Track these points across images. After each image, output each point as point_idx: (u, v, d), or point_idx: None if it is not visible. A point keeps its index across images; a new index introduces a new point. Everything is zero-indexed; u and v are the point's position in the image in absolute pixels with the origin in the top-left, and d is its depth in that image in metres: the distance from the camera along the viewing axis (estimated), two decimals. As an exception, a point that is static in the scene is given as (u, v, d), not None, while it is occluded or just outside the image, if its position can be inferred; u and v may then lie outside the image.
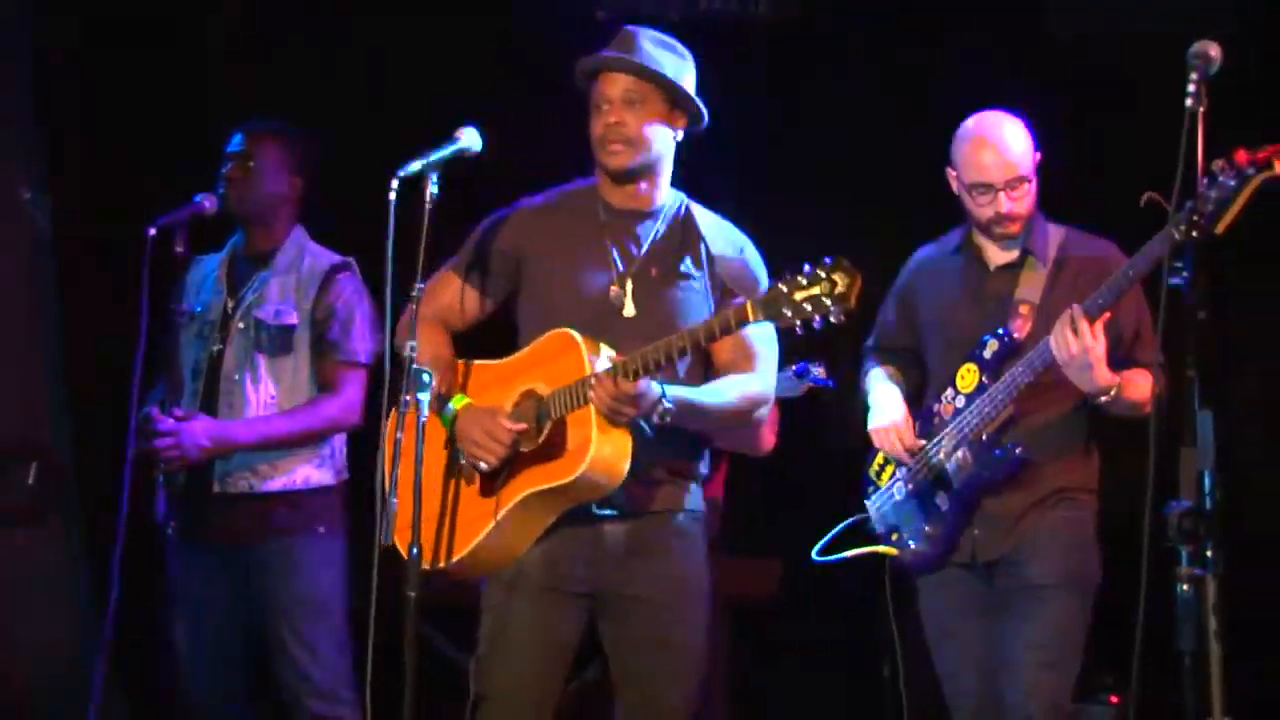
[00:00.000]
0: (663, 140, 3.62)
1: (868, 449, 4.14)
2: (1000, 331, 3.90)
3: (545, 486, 3.43)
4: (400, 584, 3.34)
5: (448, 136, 3.51)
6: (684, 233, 3.66)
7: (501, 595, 3.59)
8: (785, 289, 3.14)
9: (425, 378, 3.39)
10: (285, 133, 4.59)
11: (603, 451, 3.37)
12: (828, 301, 3.10)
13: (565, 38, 3.82)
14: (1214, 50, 3.05)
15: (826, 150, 6.02)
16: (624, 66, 3.58)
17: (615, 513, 3.53)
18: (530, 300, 3.67)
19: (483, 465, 3.48)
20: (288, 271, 4.52)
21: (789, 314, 3.13)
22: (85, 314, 5.39)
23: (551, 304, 3.61)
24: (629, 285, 3.59)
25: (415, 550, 3.34)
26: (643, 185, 3.65)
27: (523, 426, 3.46)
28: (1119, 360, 3.83)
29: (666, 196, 3.69)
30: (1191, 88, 3.02)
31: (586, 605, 3.59)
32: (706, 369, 3.63)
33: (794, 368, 4.60)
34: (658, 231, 3.65)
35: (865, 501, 4.17)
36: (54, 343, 5.28)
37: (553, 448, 3.45)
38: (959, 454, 3.90)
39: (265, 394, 4.45)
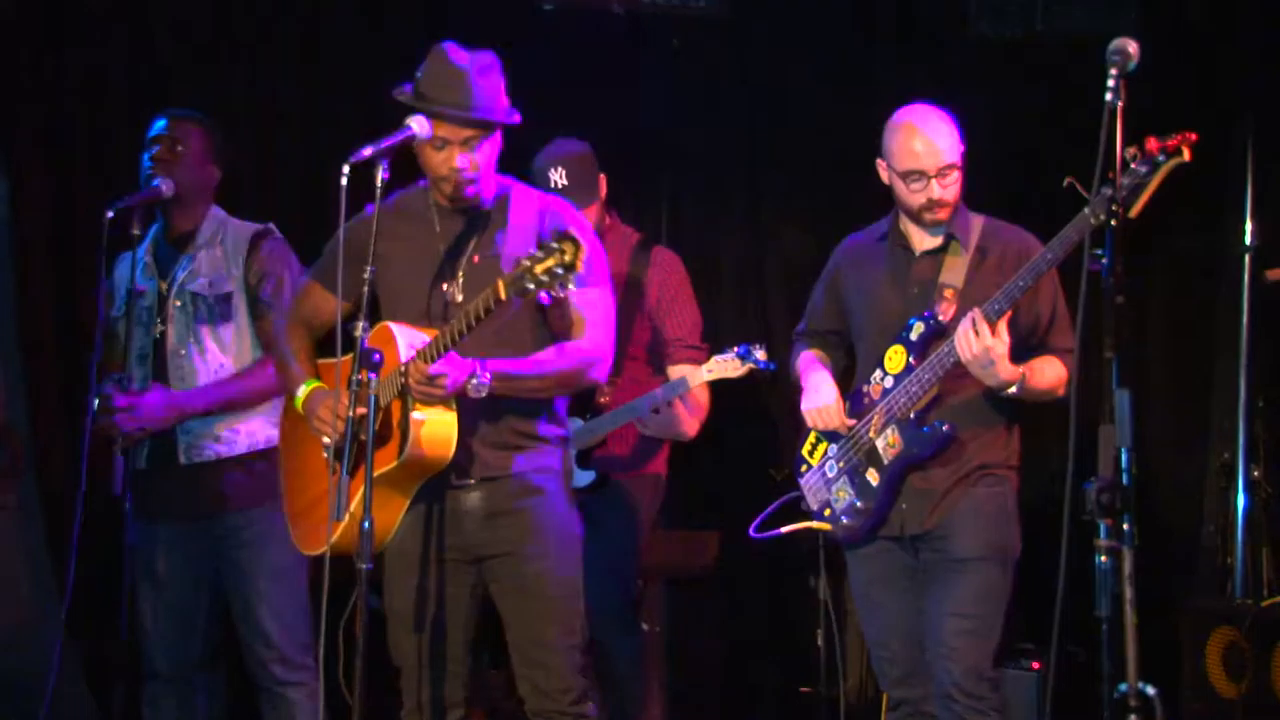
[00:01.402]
0: (493, 156, 3.79)
1: (800, 428, 4.25)
2: (926, 315, 4.01)
3: (380, 471, 3.61)
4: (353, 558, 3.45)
5: (399, 125, 3.60)
6: (503, 217, 3.84)
7: (389, 570, 3.83)
8: (528, 263, 3.33)
9: (376, 358, 3.49)
10: (206, 122, 4.65)
11: (421, 433, 3.61)
12: (560, 270, 3.31)
13: (511, 28, 3.86)
14: (1132, 47, 3.16)
15: (763, 139, 6.13)
16: (464, 122, 3.70)
17: (471, 481, 3.76)
18: (380, 300, 3.84)
19: (326, 439, 3.77)
20: (212, 245, 4.58)
21: (532, 286, 3.33)
22: (39, 295, 5.41)
23: (394, 302, 3.84)
24: (460, 276, 3.80)
25: (367, 524, 3.44)
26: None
27: (362, 412, 3.57)
28: (1034, 345, 3.98)
29: (492, 189, 3.84)
30: (1111, 83, 3.14)
31: (473, 570, 3.80)
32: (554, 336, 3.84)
33: (737, 349, 4.69)
34: (482, 221, 3.83)
35: (798, 479, 4.28)
36: (10, 324, 5.27)
37: (385, 433, 3.68)
38: (888, 432, 4.02)
39: (214, 363, 4.51)
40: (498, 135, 3.78)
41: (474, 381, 3.57)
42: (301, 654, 4.49)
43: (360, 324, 3.50)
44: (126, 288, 4.46)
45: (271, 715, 4.55)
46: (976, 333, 3.80)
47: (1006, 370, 3.84)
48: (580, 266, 3.30)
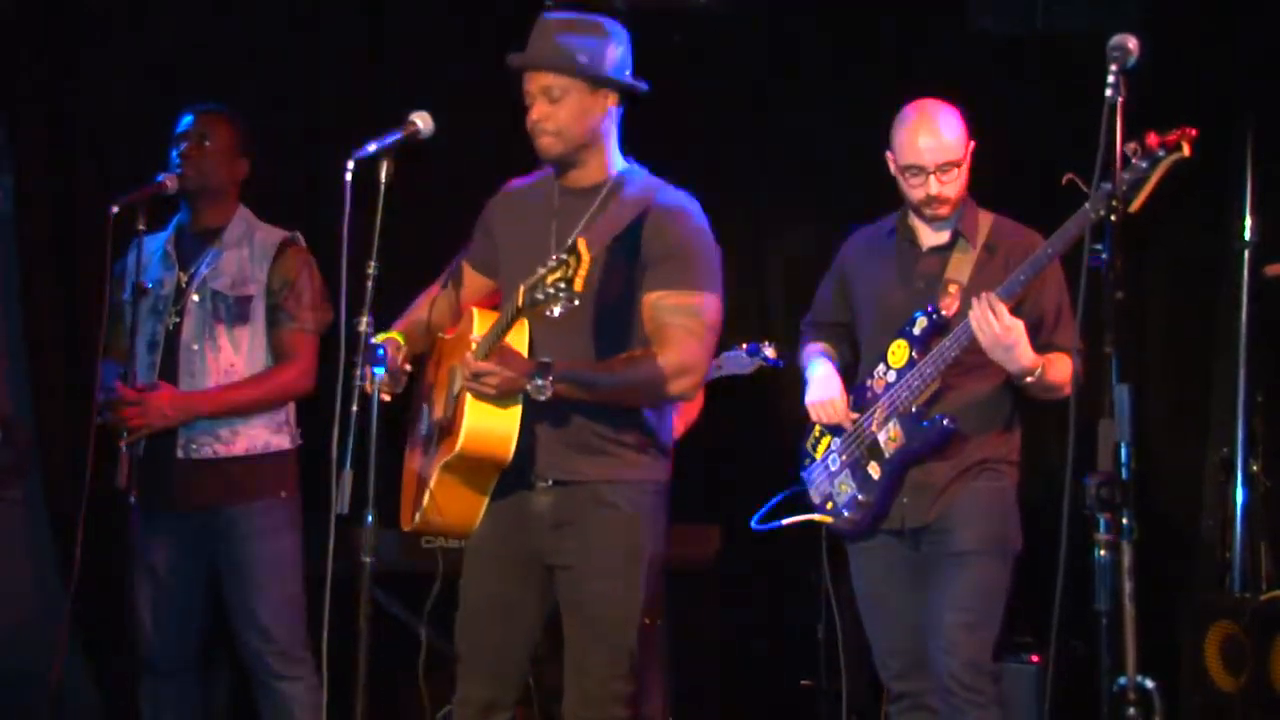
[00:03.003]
0: (591, 123, 3.68)
1: (805, 422, 4.27)
2: (929, 309, 4.03)
3: (445, 459, 3.59)
4: (355, 551, 3.46)
5: (402, 120, 3.59)
6: (622, 205, 3.66)
7: (466, 563, 3.75)
8: (542, 273, 3.26)
9: (380, 352, 3.50)
10: (235, 116, 4.67)
11: (476, 426, 3.52)
12: (563, 285, 3.22)
13: (518, 19, 3.87)
14: (1132, 43, 3.17)
15: (764, 136, 6.14)
16: (534, 66, 3.66)
17: (548, 483, 3.64)
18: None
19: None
20: (239, 245, 4.60)
21: (542, 298, 3.25)
22: (42, 289, 5.42)
23: (504, 282, 3.77)
24: None
25: (369, 518, 3.43)
26: (582, 166, 3.73)
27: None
28: (1039, 345, 3.98)
29: (611, 171, 3.74)
30: (1111, 79, 3.14)
31: (542, 570, 3.68)
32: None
33: (746, 347, 4.71)
34: (596, 206, 3.69)
35: (802, 473, 4.30)
36: (15, 318, 5.29)
37: (453, 422, 3.61)
38: (889, 426, 4.04)
39: (225, 362, 4.54)
40: (601, 98, 3.66)
41: (535, 383, 3.42)
42: (298, 648, 4.51)
43: (365, 318, 3.47)
44: (135, 275, 4.44)
45: (269, 709, 4.57)
46: (995, 314, 3.81)
47: (1028, 356, 3.85)
48: (579, 285, 3.19)
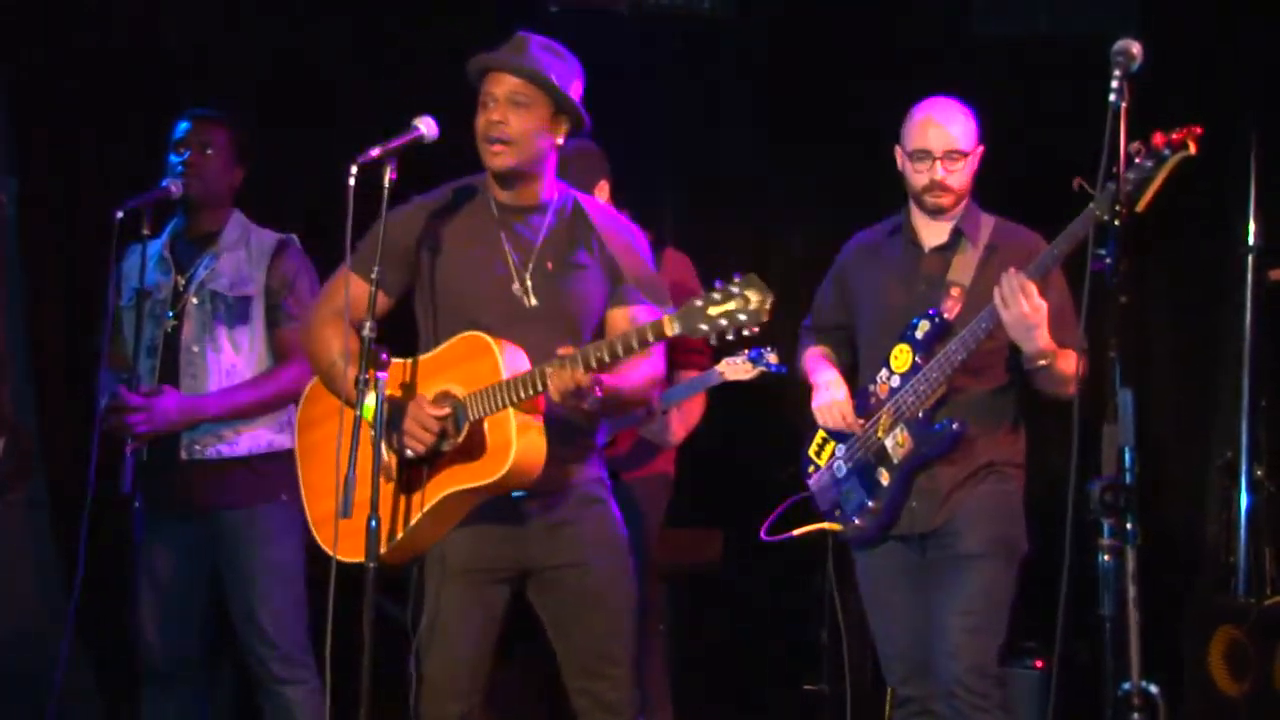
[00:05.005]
0: (544, 143, 3.68)
1: (808, 427, 4.26)
2: (931, 313, 4.02)
3: (469, 486, 3.55)
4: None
5: (406, 126, 3.59)
6: (574, 225, 3.74)
7: (434, 581, 3.71)
8: (701, 304, 3.26)
9: (384, 357, 3.50)
10: (232, 122, 4.68)
11: (524, 451, 3.51)
12: (743, 317, 3.23)
13: (523, 24, 3.88)
14: (1135, 48, 3.18)
15: (768, 139, 6.14)
16: (512, 68, 3.65)
17: (527, 494, 3.65)
18: (431, 296, 3.73)
19: (409, 453, 3.58)
20: (235, 248, 4.61)
21: (705, 328, 3.26)
22: (45, 294, 5.44)
23: (454, 300, 3.70)
24: (528, 279, 3.68)
25: (374, 522, 3.44)
26: (526, 184, 3.73)
27: (447, 411, 3.55)
28: None
29: (552, 193, 3.78)
30: (1115, 83, 3.15)
31: (513, 584, 3.73)
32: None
33: (748, 353, 4.70)
34: (549, 225, 3.73)
35: (806, 480, 4.29)
36: (19, 322, 5.29)
37: (473, 448, 3.56)
38: (897, 431, 4.03)
39: (226, 363, 4.54)
40: (558, 123, 3.68)
41: (594, 395, 3.44)
42: (301, 652, 4.51)
43: (369, 323, 3.47)
44: (136, 280, 4.45)
45: (272, 713, 4.56)
46: (1026, 293, 3.78)
47: (1045, 338, 3.84)
48: (766, 317, 3.22)
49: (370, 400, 3.54)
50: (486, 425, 3.54)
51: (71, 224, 5.47)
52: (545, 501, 3.67)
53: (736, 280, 3.26)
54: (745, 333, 3.26)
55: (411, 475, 3.62)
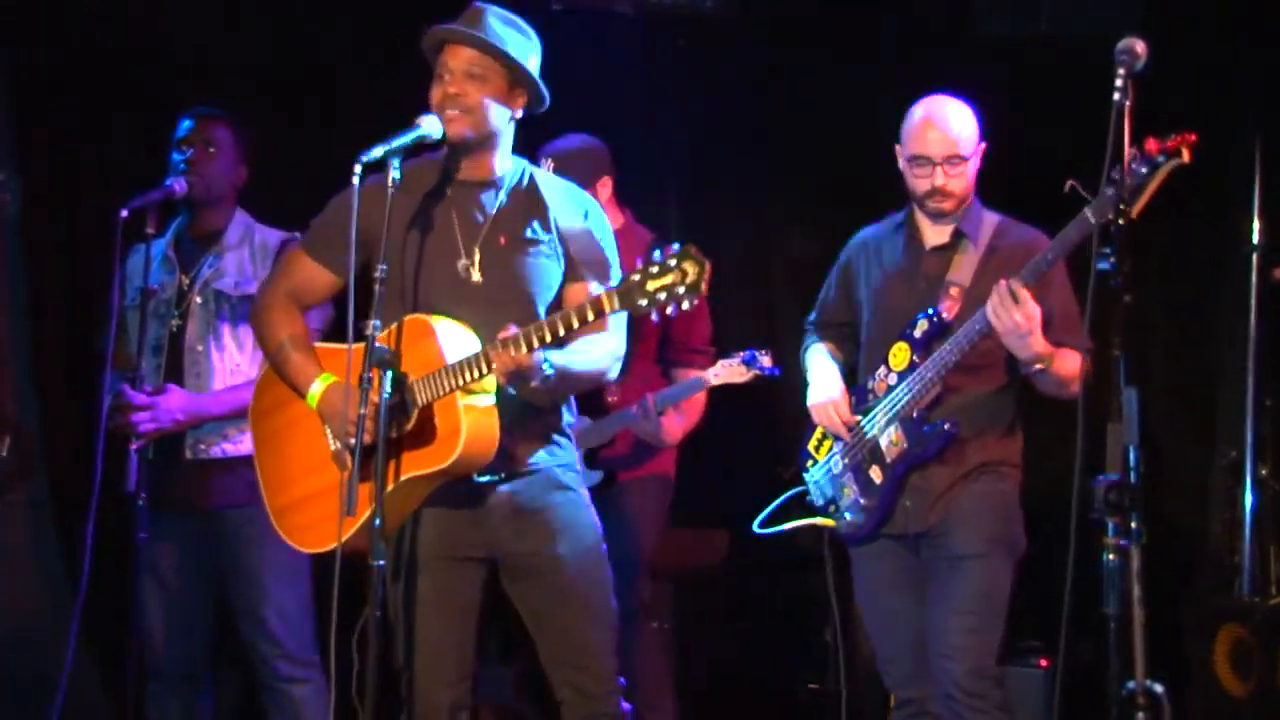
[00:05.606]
0: (500, 116, 3.66)
1: (807, 425, 4.26)
2: (930, 311, 4.02)
3: (422, 471, 3.53)
4: (364, 554, 3.43)
5: (409, 123, 3.57)
6: (528, 199, 3.72)
7: (403, 569, 3.69)
8: (639, 279, 3.24)
9: (388, 355, 3.49)
10: (235, 121, 4.68)
11: (474, 434, 3.49)
12: (680, 289, 3.21)
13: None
14: (1140, 47, 3.18)
15: (769, 138, 6.14)
16: (468, 40, 3.63)
17: (494, 477, 3.65)
18: (381, 274, 3.60)
19: (352, 441, 3.50)
20: (239, 246, 4.62)
21: (644, 303, 3.24)
22: (47, 293, 5.44)
23: (401, 278, 3.67)
24: (476, 254, 3.66)
25: (379, 520, 3.42)
26: (481, 155, 3.71)
27: (393, 400, 3.50)
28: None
29: (508, 166, 3.76)
30: (1119, 82, 3.15)
31: (485, 567, 3.73)
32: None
33: (742, 356, 4.70)
34: (501, 200, 3.72)
35: (804, 475, 4.29)
36: (21, 321, 5.30)
37: (422, 433, 3.55)
38: (891, 430, 4.04)
39: (230, 361, 4.55)
40: (515, 97, 3.66)
41: (544, 373, 3.45)
42: (306, 651, 4.52)
43: (372, 321, 3.44)
44: (140, 280, 4.46)
45: (277, 713, 4.57)
46: (1016, 300, 3.78)
47: (1040, 344, 3.83)
48: (704, 288, 3.20)
49: (315, 388, 3.63)
50: (435, 410, 3.54)
51: (72, 224, 5.46)
52: (510, 486, 3.67)
53: (673, 253, 3.24)
54: (685, 305, 3.22)
55: (364, 464, 3.57)
